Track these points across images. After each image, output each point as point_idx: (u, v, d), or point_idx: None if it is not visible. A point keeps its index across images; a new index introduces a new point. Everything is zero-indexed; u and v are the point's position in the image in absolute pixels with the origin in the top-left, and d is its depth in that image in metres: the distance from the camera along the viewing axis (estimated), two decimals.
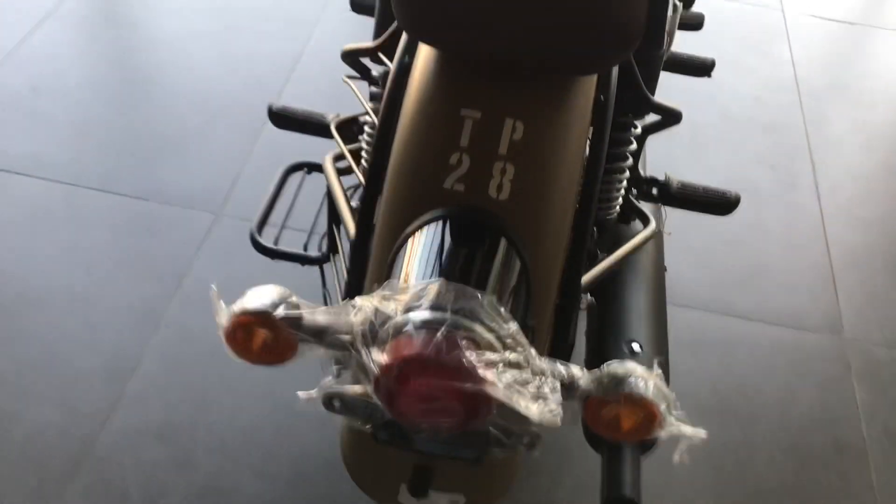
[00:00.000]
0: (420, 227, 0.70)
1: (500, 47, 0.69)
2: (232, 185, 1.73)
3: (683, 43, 2.22)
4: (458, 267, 0.67)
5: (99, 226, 1.61)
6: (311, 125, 1.23)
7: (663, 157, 1.94)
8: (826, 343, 1.60)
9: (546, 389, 0.62)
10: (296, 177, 1.20)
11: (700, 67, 1.59)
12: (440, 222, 0.70)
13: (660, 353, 1.07)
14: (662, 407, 0.65)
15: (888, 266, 1.76)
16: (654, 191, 1.24)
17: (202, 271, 1.55)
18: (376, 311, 0.62)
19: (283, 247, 1.04)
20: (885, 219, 1.87)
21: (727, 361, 1.54)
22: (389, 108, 0.77)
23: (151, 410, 1.33)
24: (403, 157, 0.73)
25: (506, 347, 0.62)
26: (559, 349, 0.79)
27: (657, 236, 1.26)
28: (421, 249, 0.69)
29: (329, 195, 0.99)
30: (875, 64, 2.37)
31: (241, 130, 1.85)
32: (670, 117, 1.06)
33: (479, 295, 0.62)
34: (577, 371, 0.63)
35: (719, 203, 1.24)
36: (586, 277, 0.88)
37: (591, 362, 1.08)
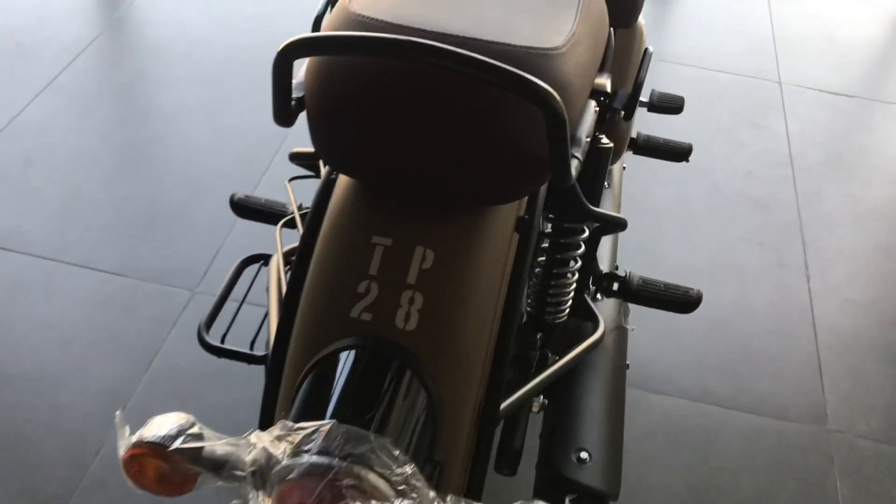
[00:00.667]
0: (324, 358, 0.69)
1: (406, 178, 0.68)
2: (211, 262, 1.74)
3: (672, 120, 2.22)
4: (360, 401, 0.66)
5: (77, 302, 1.62)
6: (272, 216, 1.23)
7: (649, 234, 1.93)
8: (809, 434, 1.55)
9: None
10: (254, 268, 1.20)
11: (676, 153, 1.58)
12: (346, 353, 0.69)
13: (611, 459, 1.05)
14: None
15: (877, 352, 1.72)
16: (616, 286, 1.22)
17: (172, 352, 1.55)
18: (267, 451, 0.61)
19: (230, 345, 1.04)
20: (876, 301, 1.84)
21: (704, 452, 1.50)
22: (313, 225, 0.77)
23: (111, 498, 1.32)
24: (315, 280, 0.72)
25: (398, 494, 0.60)
26: (476, 479, 0.77)
27: (620, 332, 1.24)
28: (323, 382, 0.68)
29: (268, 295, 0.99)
30: (873, 138, 2.35)
31: (225, 206, 1.86)
32: (614, 226, 1.05)
33: (372, 437, 0.61)
34: None
35: (681, 301, 1.22)
36: (542, 378, 0.87)
37: (542, 468, 1.06)
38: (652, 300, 1.22)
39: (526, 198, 0.81)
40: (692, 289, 1.23)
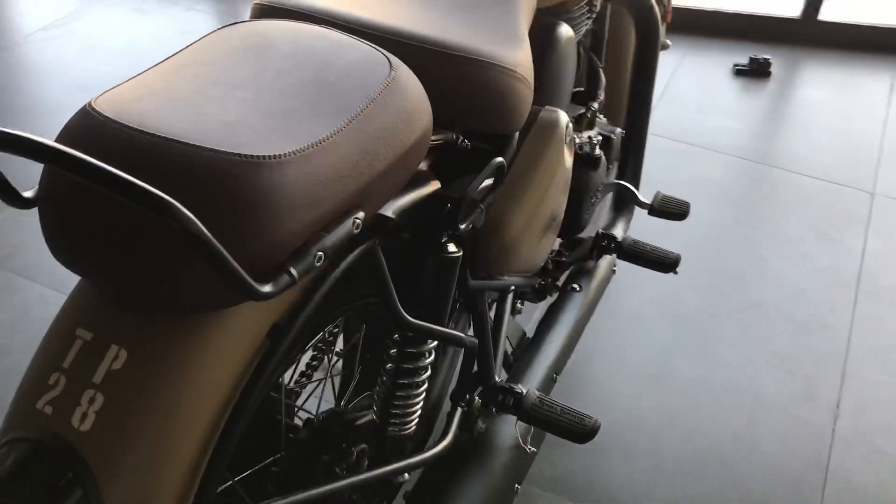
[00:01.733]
0: (4, 444, 0.68)
1: (100, 278, 0.67)
2: None
3: (733, 227, 2.06)
4: (12, 497, 0.65)
5: None
6: None
7: (663, 342, 1.79)
8: None
9: None
10: None
11: (662, 263, 1.47)
12: (20, 443, 0.68)
13: None
14: None
15: None
16: (511, 402, 1.13)
17: None
18: None
19: None
20: None
21: None
22: None
23: None
24: (30, 363, 0.72)
25: None
26: None
27: (516, 451, 1.16)
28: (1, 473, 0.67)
29: None
30: None
31: None
32: (455, 343, 0.98)
33: None
34: None
35: (574, 431, 1.11)
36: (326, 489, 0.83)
37: None
38: (542, 423, 1.12)
39: (285, 302, 0.78)
40: (590, 417, 1.12)
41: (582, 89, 1.54)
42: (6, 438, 0.68)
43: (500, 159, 0.92)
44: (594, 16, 1.41)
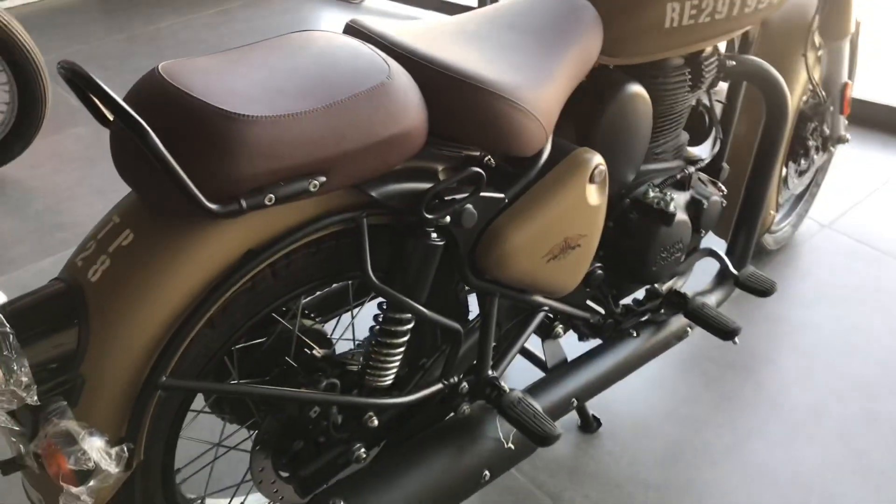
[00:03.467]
0: (52, 282, 1.01)
1: (135, 186, 0.98)
2: None
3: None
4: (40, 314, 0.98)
5: None
6: None
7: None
8: None
9: None
10: None
11: (720, 330, 1.51)
12: (55, 282, 1.00)
13: None
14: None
15: None
16: (493, 395, 1.28)
17: None
18: None
19: None
20: None
21: None
22: None
23: None
24: None
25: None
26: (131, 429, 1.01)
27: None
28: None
29: None
30: None
31: None
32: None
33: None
34: None
35: (536, 435, 1.23)
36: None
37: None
38: (512, 420, 1.25)
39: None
40: (554, 427, 1.23)
41: (698, 152, 1.63)
42: (54, 278, 1.00)
43: (476, 170, 1.10)
44: (702, 87, 1.51)
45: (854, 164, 2.75)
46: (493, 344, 1.30)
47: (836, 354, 1.97)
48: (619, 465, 1.69)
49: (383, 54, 1.07)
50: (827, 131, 2.02)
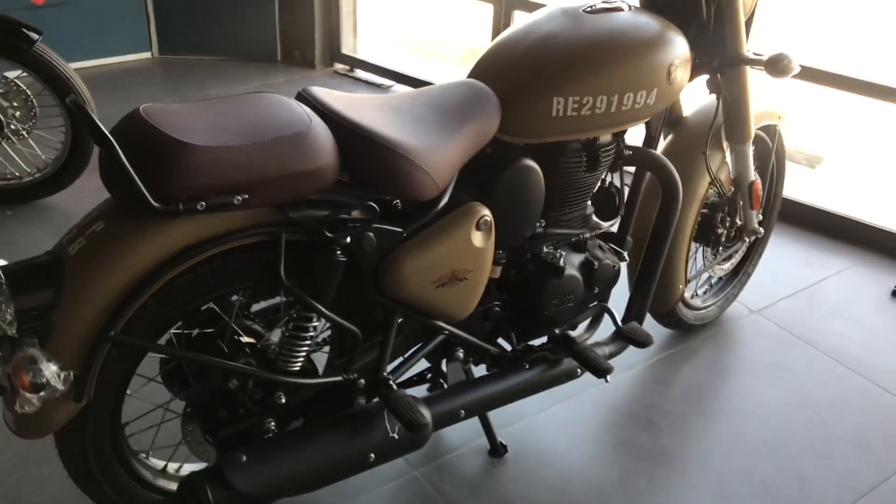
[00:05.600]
0: (45, 254, 1.37)
1: (110, 189, 1.34)
2: None
3: None
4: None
5: None
6: None
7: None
8: None
9: None
10: None
11: (595, 368, 1.79)
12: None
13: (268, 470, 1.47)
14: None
15: None
16: (383, 392, 1.59)
17: None
18: None
19: None
20: None
21: None
22: None
23: None
24: None
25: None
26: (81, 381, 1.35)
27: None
28: None
29: None
30: None
31: None
32: None
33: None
34: None
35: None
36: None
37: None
38: (391, 410, 1.55)
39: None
40: (424, 417, 1.52)
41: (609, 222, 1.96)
42: (48, 251, 1.36)
43: (370, 203, 1.44)
44: (600, 169, 1.84)
45: (791, 261, 3.02)
46: (393, 352, 1.62)
47: (731, 418, 2.22)
48: (515, 485, 1.95)
49: (310, 111, 1.43)
50: (739, 223, 2.31)
